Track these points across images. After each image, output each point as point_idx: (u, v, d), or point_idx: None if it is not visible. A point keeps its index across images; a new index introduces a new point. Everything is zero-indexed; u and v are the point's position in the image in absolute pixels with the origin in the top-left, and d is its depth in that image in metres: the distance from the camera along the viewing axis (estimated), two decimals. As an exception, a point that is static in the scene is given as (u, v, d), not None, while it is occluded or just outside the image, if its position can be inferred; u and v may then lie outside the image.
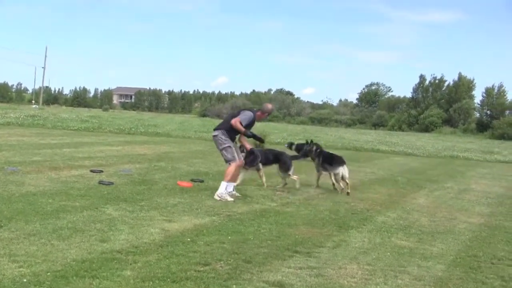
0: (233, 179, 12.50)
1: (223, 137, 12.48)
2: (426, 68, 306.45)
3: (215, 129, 12.79)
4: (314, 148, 15.56)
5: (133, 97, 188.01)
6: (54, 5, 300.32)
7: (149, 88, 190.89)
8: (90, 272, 6.22)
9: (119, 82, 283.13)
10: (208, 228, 9.05)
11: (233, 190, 12.49)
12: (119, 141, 27.55)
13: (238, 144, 13.14)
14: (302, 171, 19.01)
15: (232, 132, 12.56)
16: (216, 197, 12.03)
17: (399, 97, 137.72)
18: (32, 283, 5.77)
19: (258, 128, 26.43)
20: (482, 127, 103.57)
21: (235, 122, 12.40)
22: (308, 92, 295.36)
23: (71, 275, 6.08)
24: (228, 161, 12.47)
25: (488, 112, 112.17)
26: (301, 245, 8.40)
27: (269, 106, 13.34)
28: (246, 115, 12.61)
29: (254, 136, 12.95)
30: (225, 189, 12.17)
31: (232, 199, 12.00)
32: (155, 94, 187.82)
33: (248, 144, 13.27)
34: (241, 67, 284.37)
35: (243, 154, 13.22)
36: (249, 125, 12.76)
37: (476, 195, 16.30)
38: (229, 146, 12.48)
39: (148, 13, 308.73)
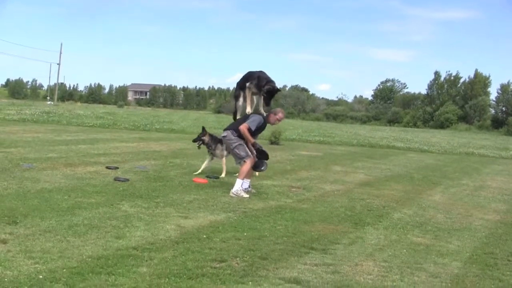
0: (248, 176, 12.48)
1: (232, 136, 12.43)
2: (441, 65, 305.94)
3: (225, 130, 12.78)
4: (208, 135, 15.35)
5: (148, 93, 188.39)
6: (69, 2, 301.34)
7: (164, 84, 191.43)
8: (106, 269, 6.23)
9: (134, 79, 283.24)
10: (224, 225, 9.05)
11: (249, 187, 12.48)
12: (134, 138, 27.63)
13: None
14: (316, 168, 19.04)
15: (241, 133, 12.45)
16: (231, 194, 12.01)
17: (414, 93, 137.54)
18: (48, 279, 5.77)
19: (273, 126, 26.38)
20: (498, 124, 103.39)
21: (243, 129, 12.25)
22: (323, 89, 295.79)
23: (87, 271, 6.08)
24: (242, 159, 12.41)
25: (504, 108, 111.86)
26: (317, 242, 8.38)
27: (279, 112, 12.97)
28: (255, 120, 12.44)
29: (261, 152, 12.73)
30: (240, 186, 12.14)
31: (247, 196, 11.98)
32: (170, 91, 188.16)
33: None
34: (256, 64, 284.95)
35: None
36: (260, 129, 12.72)
37: (492, 192, 16.23)
38: (241, 144, 12.40)
39: (164, 10, 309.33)
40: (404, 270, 7.18)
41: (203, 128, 15.54)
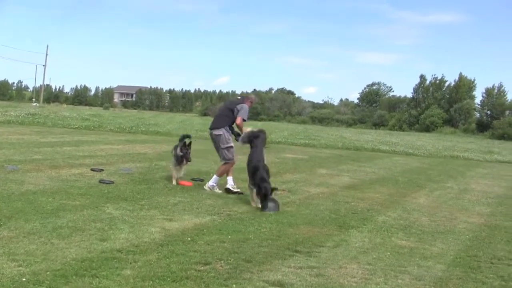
0: (222, 175, 13.07)
1: (227, 135, 12.97)
2: (427, 69, 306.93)
3: (217, 128, 13.11)
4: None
5: (134, 95, 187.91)
6: (55, 3, 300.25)
7: (150, 87, 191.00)
8: (90, 271, 6.22)
9: (120, 81, 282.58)
10: (209, 227, 9.06)
11: (215, 184, 13.06)
12: (120, 140, 27.56)
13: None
14: (301, 171, 19.05)
15: (232, 128, 13.10)
16: (206, 187, 12.75)
17: (399, 97, 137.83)
18: (32, 282, 5.76)
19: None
20: (482, 127, 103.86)
21: (241, 122, 12.90)
22: (309, 92, 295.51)
23: (71, 274, 6.08)
24: (228, 160, 12.82)
25: (488, 112, 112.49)
26: (301, 245, 8.40)
27: (253, 96, 13.69)
28: (245, 109, 13.03)
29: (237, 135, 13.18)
30: (215, 182, 12.91)
31: (220, 191, 12.72)
32: (156, 93, 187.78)
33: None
34: (243, 66, 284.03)
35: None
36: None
37: (476, 195, 16.29)
38: (232, 146, 12.94)
39: (150, 12, 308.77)
40: (388, 273, 7.21)
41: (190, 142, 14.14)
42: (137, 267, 6.55)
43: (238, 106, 13.01)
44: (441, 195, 15.83)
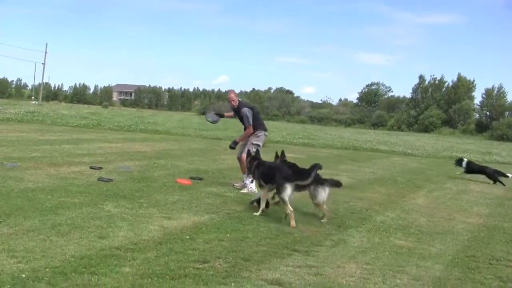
0: (242, 171, 13.70)
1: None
2: (426, 69, 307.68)
3: None
4: None
5: (133, 94, 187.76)
6: (55, 2, 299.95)
7: (149, 85, 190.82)
8: (89, 269, 6.23)
9: (119, 79, 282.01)
10: (207, 226, 9.06)
11: (244, 183, 13.54)
12: (119, 138, 27.49)
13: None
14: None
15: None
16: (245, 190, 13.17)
17: (398, 97, 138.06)
18: (31, 278, 5.77)
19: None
20: (482, 128, 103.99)
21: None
22: (308, 91, 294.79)
23: (70, 271, 6.08)
24: None
25: (488, 113, 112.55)
26: (299, 244, 8.41)
27: (229, 93, 13.89)
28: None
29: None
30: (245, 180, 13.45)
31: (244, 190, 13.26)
32: (155, 92, 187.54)
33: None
34: (242, 66, 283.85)
35: None
36: (235, 116, 13.96)
37: (474, 196, 16.31)
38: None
39: (150, 11, 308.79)
40: (387, 273, 7.22)
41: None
42: (136, 265, 6.55)
43: None
44: (439, 195, 15.84)
